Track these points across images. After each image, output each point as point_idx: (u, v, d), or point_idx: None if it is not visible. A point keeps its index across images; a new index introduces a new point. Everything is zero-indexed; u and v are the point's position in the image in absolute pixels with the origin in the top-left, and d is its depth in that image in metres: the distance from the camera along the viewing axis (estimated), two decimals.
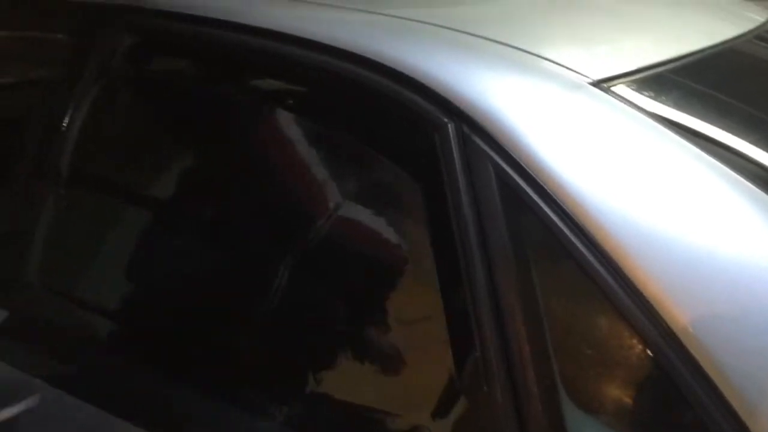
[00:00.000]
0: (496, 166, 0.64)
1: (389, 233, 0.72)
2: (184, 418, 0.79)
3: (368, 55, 0.73)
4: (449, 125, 0.67)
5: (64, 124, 0.96)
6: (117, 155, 0.98)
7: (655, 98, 0.71)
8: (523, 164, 0.63)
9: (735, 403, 0.54)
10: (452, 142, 0.66)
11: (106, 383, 0.84)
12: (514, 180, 0.63)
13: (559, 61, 0.70)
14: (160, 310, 0.86)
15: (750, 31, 1.02)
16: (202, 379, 0.80)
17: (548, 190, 0.62)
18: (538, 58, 0.71)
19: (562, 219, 0.61)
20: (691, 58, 0.83)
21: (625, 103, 0.68)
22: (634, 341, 0.57)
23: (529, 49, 0.72)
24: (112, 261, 0.92)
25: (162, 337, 0.84)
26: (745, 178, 0.62)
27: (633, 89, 0.71)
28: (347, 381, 0.72)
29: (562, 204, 0.61)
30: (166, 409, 0.80)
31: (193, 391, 0.79)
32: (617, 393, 0.61)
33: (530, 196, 0.62)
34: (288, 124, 0.81)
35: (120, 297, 0.91)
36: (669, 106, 0.71)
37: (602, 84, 0.69)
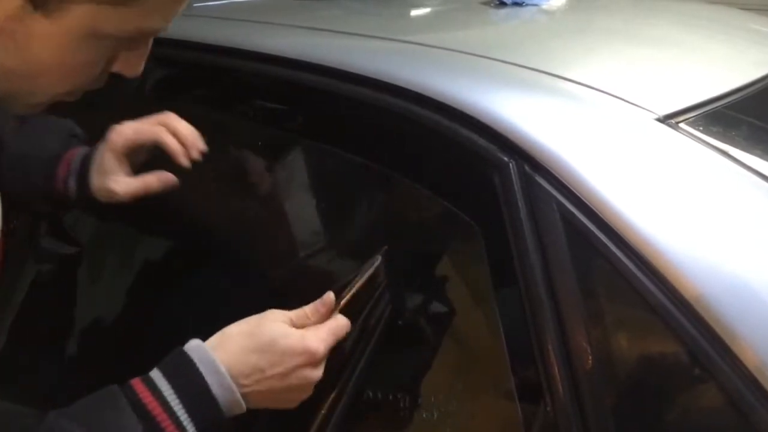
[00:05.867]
0: (561, 206, 0.61)
1: (448, 277, 0.69)
2: None
3: (420, 90, 0.71)
4: (510, 164, 0.64)
5: None
6: None
7: (722, 133, 0.68)
8: (589, 204, 0.60)
9: None
10: (514, 182, 0.63)
11: None
12: (581, 221, 0.60)
13: (623, 97, 0.68)
14: None
15: None
16: None
17: (617, 231, 0.59)
18: (602, 94, 0.68)
19: (631, 260, 0.58)
20: (751, 89, 0.80)
21: (692, 139, 0.65)
22: (711, 383, 0.54)
23: (591, 84, 0.69)
24: None
25: None
26: None
27: (699, 124, 0.68)
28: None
29: (630, 244, 0.58)
30: None
31: None
32: None
33: (598, 238, 0.59)
34: (336, 162, 0.79)
35: None
36: (737, 141, 0.68)
37: (669, 120, 0.67)
